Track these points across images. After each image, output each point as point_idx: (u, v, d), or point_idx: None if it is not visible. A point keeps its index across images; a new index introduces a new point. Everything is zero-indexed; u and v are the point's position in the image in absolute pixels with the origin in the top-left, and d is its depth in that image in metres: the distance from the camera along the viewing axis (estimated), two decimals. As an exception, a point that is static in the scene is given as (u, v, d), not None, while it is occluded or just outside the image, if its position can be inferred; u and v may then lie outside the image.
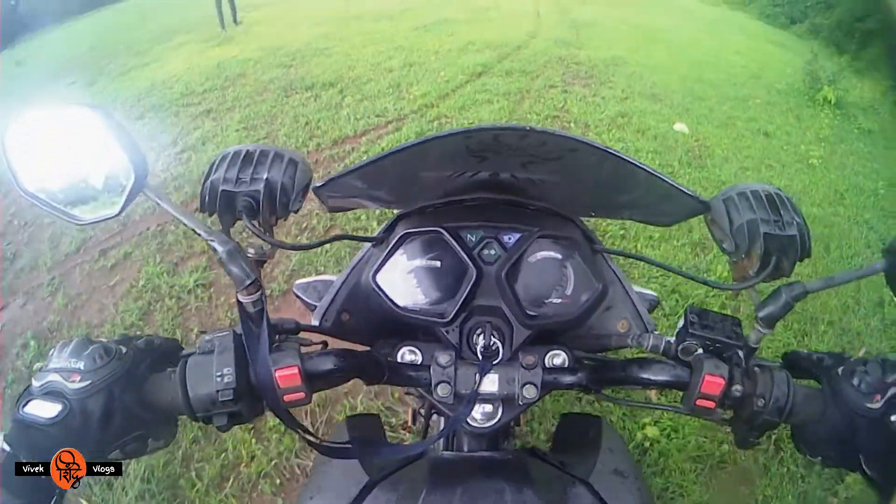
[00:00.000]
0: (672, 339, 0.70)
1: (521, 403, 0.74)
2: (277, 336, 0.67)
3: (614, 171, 0.66)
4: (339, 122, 5.72)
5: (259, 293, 0.63)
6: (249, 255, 0.65)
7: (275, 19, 12.42)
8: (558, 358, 0.76)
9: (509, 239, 0.79)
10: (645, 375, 0.69)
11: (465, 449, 0.81)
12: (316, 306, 0.86)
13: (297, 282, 1.02)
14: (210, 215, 0.69)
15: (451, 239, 0.77)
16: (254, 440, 2.32)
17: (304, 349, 0.67)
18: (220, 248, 0.61)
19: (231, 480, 2.20)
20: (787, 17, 16.41)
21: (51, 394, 0.55)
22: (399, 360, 0.77)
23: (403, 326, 0.79)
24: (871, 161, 6.03)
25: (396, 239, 0.79)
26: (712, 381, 0.63)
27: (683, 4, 16.30)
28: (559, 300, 0.78)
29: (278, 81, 7.30)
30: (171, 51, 10.28)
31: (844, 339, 3.12)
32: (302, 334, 0.72)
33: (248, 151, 0.70)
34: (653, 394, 2.16)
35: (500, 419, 0.76)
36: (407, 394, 1.00)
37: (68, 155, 0.62)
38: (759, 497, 2.20)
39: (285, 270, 3.32)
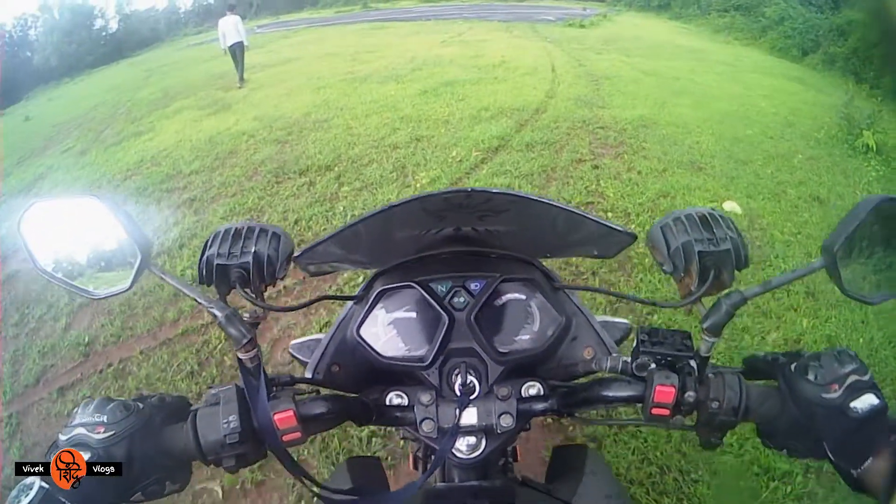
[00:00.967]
0: (628, 359, 0.71)
1: (499, 432, 0.75)
2: (275, 387, 0.71)
3: (555, 217, 0.72)
4: (334, 221, 4.76)
5: (255, 350, 0.68)
6: (245, 318, 0.69)
7: (278, 82, 11.73)
8: (533, 389, 0.79)
9: (475, 286, 0.83)
10: (606, 393, 0.72)
11: (457, 481, 0.81)
12: (308, 363, 0.89)
13: (293, 342, 1.05)
14: (208, 286, 0.72)
15: (422, 291, 0.82)
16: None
17: (298, 397, 0.70)
18: (219, 314, 0.66)
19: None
20: (798, 49, 15.75)
21: (79, 445, 0.59)
22: (387, 403, 0.80)
23: (388, 373, 0.83)
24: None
25: (374, 295, 0.84)
26: (663, 391, 0.65)
27: (696, 46, 15.71)
28: (527, 336, 0.82)
29: (270, 162, 6.42)
30: (167, 118, 9.92)
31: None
32: (297, 386, 0.75)
33: (237, 229, 0.74)
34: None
35: (484, 449, 0.77)
36: (402, 439, 1.00)
37: (80, 239, 0.68)
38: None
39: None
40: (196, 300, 0.68)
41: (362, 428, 1.74)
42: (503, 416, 0.75)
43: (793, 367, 0.65)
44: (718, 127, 7.14)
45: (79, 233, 0.68)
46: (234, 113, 9.29)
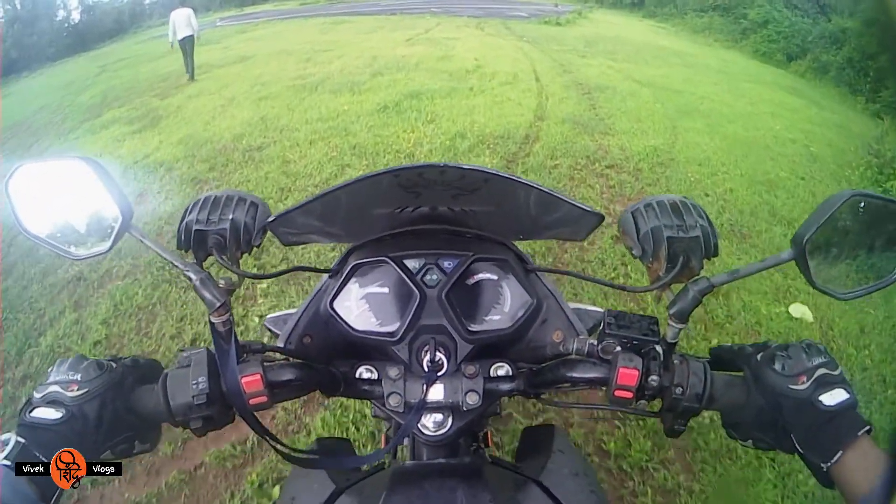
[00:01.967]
0: (595, 342, 0.70)
1: (465, 410, 0.74)
2: (245, 354, 0.69)
3: (527, 197, 0.71)
4: (247, 335, 2.92)
5: (228, 315, 0.66)
6: (221, 284, 0.68)
7: (222, 86, 9.75)
8: (502, 369, 0.78)
9: (448, 264, 0.81)
10: (571, 374, 0.71)
11: (425, 458, 0.80)
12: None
13: (269, 316, 1.02)
14: (186, 251, 0.73)
15: (395, 267, 0.80)
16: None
17: (268, 364, 0.69)
18: (194, 277, 0.65)
19: None
20: (783, 54, 14.94)
21: (53, 402, 0.59)
22: (357, 377, 0.78)
23: (360, 346, 0.81)
24: None
25: (349, 269, 0.82)
26: (626, 373, 0.64)
27: (679, 48, 14.38)
28: (497, 316, 0.80)
29: (176, 221, 4.36)
30: (93, 133, 8.17)
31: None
32: (268, 354, 0.73)
33: (216, 196, 0.75)
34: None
35: (451, 427, 0.75)
36: (374, 416, 0.83)
37: (64, 200, 0.67)
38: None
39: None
40: (172, 263, 0.67)
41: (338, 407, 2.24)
42: (469, 393, 0.73)
43: (759, 357, 0.64)
44: (744, 163, 5.66)
45: (63, 195, 0.66)
46: (161, 131, 7.34)
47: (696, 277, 0.66)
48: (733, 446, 2.19)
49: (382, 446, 1.01)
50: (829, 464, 0.56)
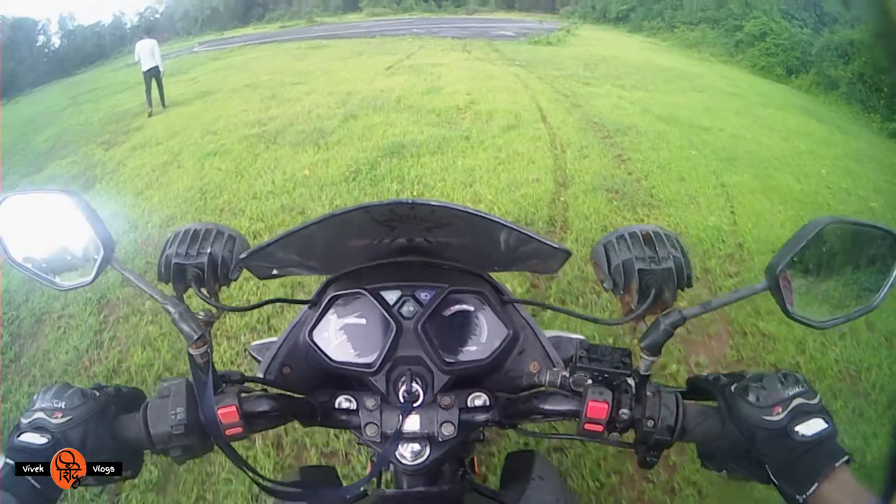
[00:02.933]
0: (567, 374, 0.69)
1: (440, 440, 0.72)
2: (224, 384, 0.68)
3: (498, 232, 0.69)
4: None
5: (206, 347, 0.66)
6: (200, 316, 0.69)
7: (170, 135, 8.02)
8: (479, 399, 0.75)
9: (425, 296, 0.79)
10: (543, 406, 0.70)
11: (405, 486, 0.78)
12: None
13: (253, 343, 1.02)
14: (166, 283, 0.73)
15: (372, 299, 0.78)
16: None
17: (245, 395, 0.68)
18: (172, 310, 0.65)
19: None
20: (783, 68, 13.73)
21: (38, 428, 0.59)
22: (336, 406, 0.76)
23: (338, 377, 0.80)
24: None
25: (327, 300, 0.80)
26: (596, 406, 0.63)
27: (679, 66, 13.12)
28: (474, 347, 0.78)
29: None
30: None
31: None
32: (248, 384, 0.73)
33: (196, 229, 0.75)
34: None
35: (428, 457, 0.73)
36: (359, 443, 0.94)
37: (49, 232, 0.67)
38: None
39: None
40: (152, 296, 0.66)
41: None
42: (444, 424, 0.72)
43: (733, 388, 0.61)
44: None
45: (48, 226, 0.66)
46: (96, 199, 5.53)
47: (669, 310, 0.64)
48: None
49: (369, 471, 0.97)
50: (804, 496, 0.53)
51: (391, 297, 0.79)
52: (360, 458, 2.19)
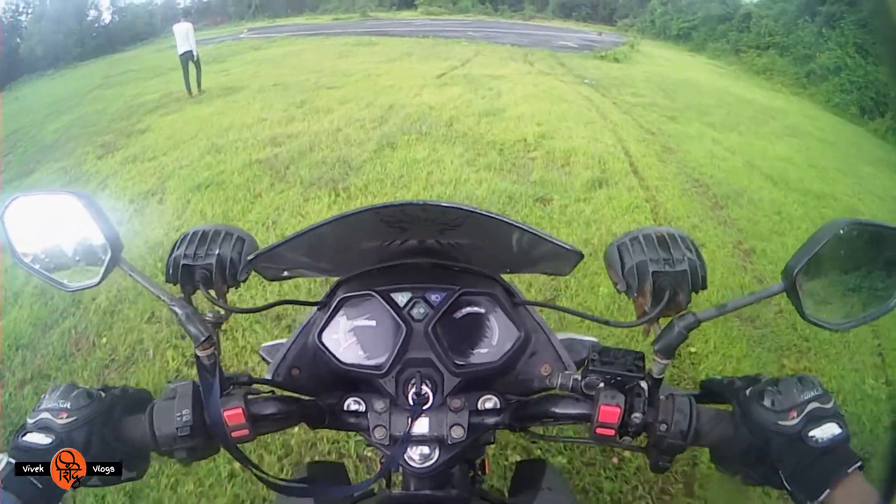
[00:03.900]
0: (579, 377, 0.65)
1: (450, 443, 0.69)
2: (231, 386, 0.66)
3: (510, 233, 0.66)
4: None
5: (212, 349, 0.63)
6: (207, 318, 0.66)
7: (172, 146, 6.51)
8: (490, 402, 0.73)
9: (436, 298, 0.75)
10: (554, 410, 0.67)
11: (413, 488, 0.74)
12: None
13: (263, 345, 0.98)
14: (175, 284, 0.70)
15: (382, 300, 0.75)
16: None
17: (253, 397, 0.66)
18: (179, 311, 0.63)
19: None
20: (857, 107, 11.82)
21: (44, 428, 0.57)
22: (345, 409, 0.74)
23: (347, 379, 0.76)
24: None
25: (336, 302, 0.77)
26: (608, 410, 0.59)
27: (755, 99, 10.99)
28: (485, 350, 0.75)
29: None
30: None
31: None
32: (256, 386, 0.71)
33: (204, 231, 0.72)
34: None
35: (437, 460, 0.69)
36: (368, 445, 0.90)
37: (57, 233, 0.65)
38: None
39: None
40: (159, 297, 0.64)
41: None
42: (454, 427, 0.69)
43: (748, 391, 0.59)
44: None
45: (56, 227, 0.64)
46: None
47: (683, 312, 0.61)
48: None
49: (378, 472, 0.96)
50: (816, 501, 0.51)
51: (401, 298, 0.75)
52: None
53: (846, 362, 2.72)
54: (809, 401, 0.54)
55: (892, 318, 0.56)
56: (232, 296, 0.73)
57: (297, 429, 1.99)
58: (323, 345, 0.74)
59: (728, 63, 17.49)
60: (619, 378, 0.61)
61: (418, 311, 0.75)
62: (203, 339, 0.61)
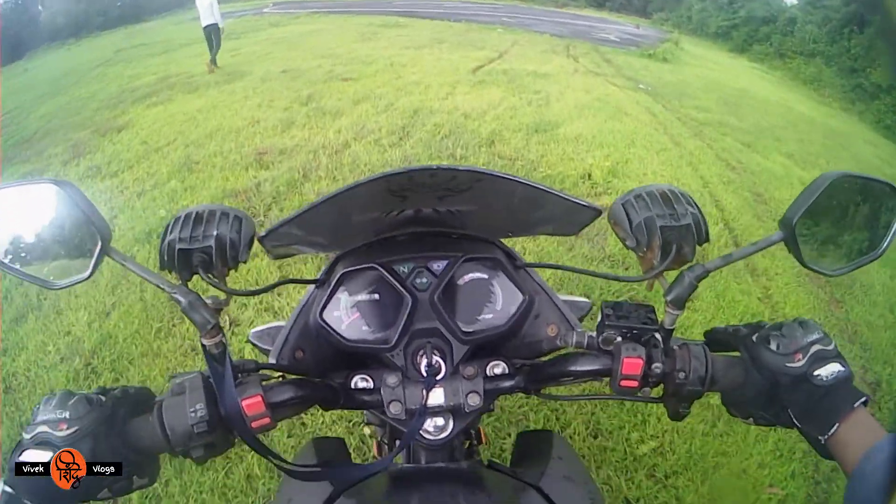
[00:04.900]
0: (594, 334, 0.65)
1: (467, 411, 0.67)
2: (240, 374, 0.61)
3: (519, 194, 0.65)
4: None
5: (220, 336, 0.58)
6: (208, 303, 0.59)
7: (145, 154, 5.35)
8: (498, 367, 0.70)
9: (438, 266, 0.73)
10: (573, 368, 0.65)
11: (423, 462, 0.72)
12: (270, 350, 0.78)
13: (252, 331, 0.92)
14: (170, 272, 0.62)
15: (385, 272, 0.72)
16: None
17: (264, 383, 0.61)
18: (182, 300, 0.57)
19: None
20: None
21: (42, 443, 0.51)
22: (353, 387, 0.70)
23: (353, 356, 0.73)
24: None
25: (336, 278, 0.73)
26: (631, 362, 0.59)
27: (816, 118, 9.55)
28: (490, 315, 0.73)
29: None
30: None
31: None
32: (261, 372, 0.65)
33: (198, 212, 0.63)
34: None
35: (452, 430, 0.68)
36: (367, 424, 0.84)
37: (38, 226, 0.58)
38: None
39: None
40: (158, 286, 0.58)
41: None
42: (471, 394, 0.66)
43: (754, 337, 0.59)
44: None
45: (36, 220, 0.57)
46: None
47: (691, 264, 0.60)
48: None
49: (376, 451, 0.94)
50: (826, 436, 0.52)
51: (403, 269, 0.73)
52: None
53: None
54: (812, 343, 0.55)
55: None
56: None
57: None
58: (325, 323, 0.71)
59: (772, 68, 15.90)
60: (635, 331, 0.61)
61: (421, 280, 0.72)
62: (210, 326, 0.56)
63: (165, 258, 0.60)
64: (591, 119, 5.82)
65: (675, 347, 0.61)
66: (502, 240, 0.82)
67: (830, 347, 0.55)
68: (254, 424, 0.57)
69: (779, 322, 0.59)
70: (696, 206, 0.62)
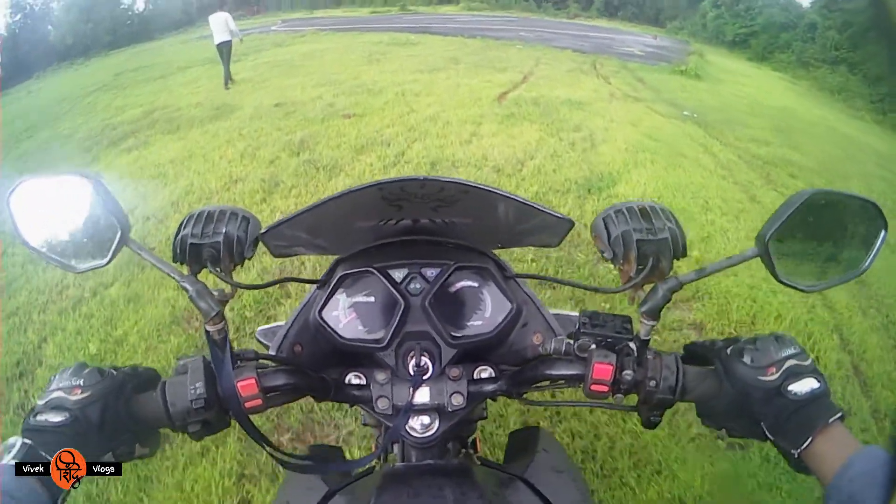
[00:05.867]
0: (571, 341, 0.65)
1: (450, 411, 0.68)
2: (239, 360, 0.63)
3: (503, 207, 0.67)
4: None
5: (223, 324, 0.61)
6: (215, 294, 0.62)
7: None
8: (485, 372, 0.72)
9: (431, 273, 0.75)
10: (548, 372, 0.66)
11: (414, 460, 0.73)
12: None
13: (259, 328, 0.94)
14: (182, 264, 0.66)
15: (381, 276, 0.74)
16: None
17: (261, 370, 0.64)
18: (190, 288, 0.60)
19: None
20: None
21: (56, 407, 0.54)
22: (346, 382, 0.72)
23: (348, 354, 0.75)
24: None
25: (336, 280, 0.76)
26: (601, 368, 0.60)
27: (865, 141, 8.59)
28: (479, 322, 0.74)
29: None
30: None
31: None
32: (261, 362, 0.67)
33: (209, 211, 0.68)
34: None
35: (438, 429, 0.69)
36: (364, 424, 0.83)
37: (64, 215, 0.61)
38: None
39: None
40: (170, 275, 0.61)
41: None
42: (454, 395, 0.68)
43: (729, 350, 0.59)
44: None
45: (63, 209, 0.60)
46: None
47: (666, 277, 0.60)
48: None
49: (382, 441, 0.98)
50: (798, 450, 0.52)
51: (398, 274, 0.74)
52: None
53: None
54: (787, 358, 0.55)
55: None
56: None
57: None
58: (324, 321, 0.73)
59: (797, 77, 15.09)
60: (609, 339, 0.61)
61: (415, 286, 0.74)
62: (213, 314, 0.59)
63: (178, 251, 0.64)
64: (650, 168, 4.57)
65: (648, 357, 0.60)
66: (494, 251, 0.82)
67: (807, 363, 0.55)
68: (247, 405, 0.59)
69: (754, 336, 0.59)
70: (676, 221, 0.63)
